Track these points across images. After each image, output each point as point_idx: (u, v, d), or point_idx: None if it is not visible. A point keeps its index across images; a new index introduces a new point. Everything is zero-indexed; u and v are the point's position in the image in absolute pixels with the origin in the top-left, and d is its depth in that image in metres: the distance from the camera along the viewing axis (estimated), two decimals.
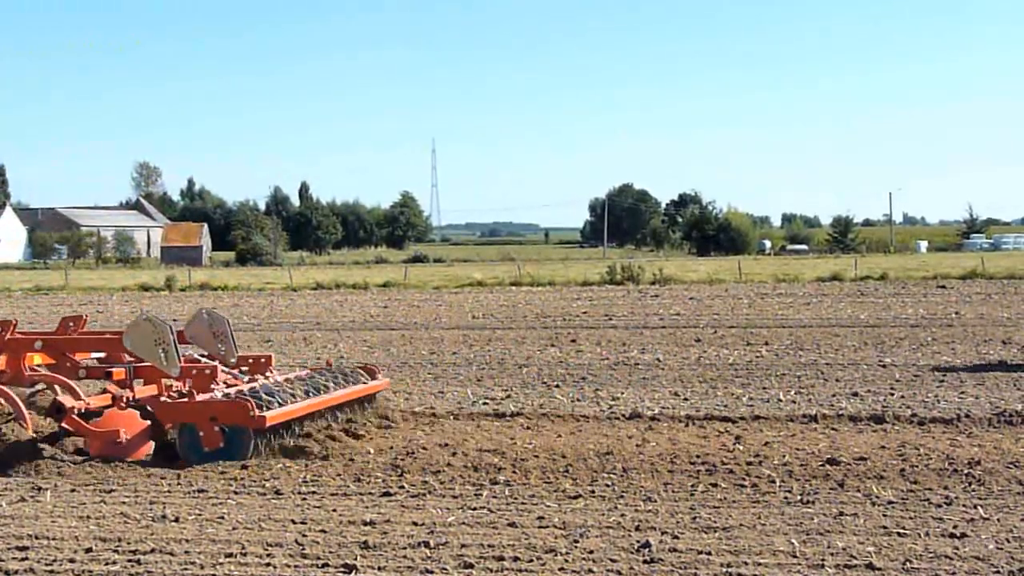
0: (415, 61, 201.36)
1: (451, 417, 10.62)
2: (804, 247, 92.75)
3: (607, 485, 7.79)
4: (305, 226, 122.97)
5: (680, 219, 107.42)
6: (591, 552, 6.08)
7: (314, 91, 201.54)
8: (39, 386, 10.19)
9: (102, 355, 10.06)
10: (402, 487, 7.83)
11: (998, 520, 6.70)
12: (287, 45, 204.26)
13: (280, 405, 8.92)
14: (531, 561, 5.94)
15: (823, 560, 5.86)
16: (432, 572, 5.81)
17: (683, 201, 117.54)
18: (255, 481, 8.10)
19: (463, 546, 6.24)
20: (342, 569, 5.87)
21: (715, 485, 7.71)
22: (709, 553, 6.02)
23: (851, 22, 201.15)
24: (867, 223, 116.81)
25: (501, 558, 5.99)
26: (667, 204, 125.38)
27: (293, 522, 6.96)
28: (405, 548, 6.21)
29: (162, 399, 9.22)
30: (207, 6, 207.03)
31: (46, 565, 6.08)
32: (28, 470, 8.56)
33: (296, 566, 5.96)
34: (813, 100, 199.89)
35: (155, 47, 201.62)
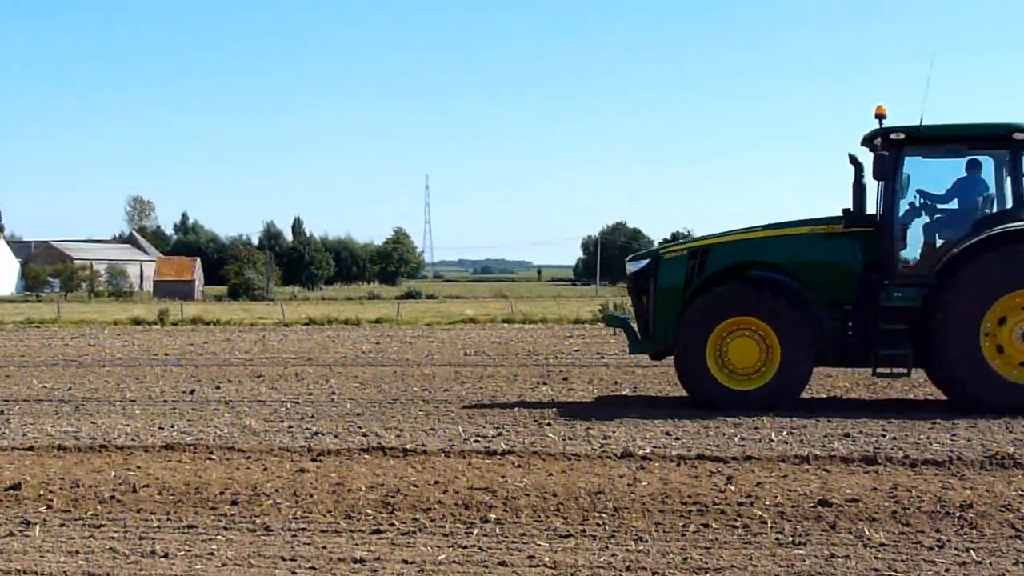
0: (409, 99, 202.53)
1: (442, 454, 10.59)
2: None
3: (598, 524, 7.76)
4: (298, 261, 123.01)
5: None
6: None
7: (308, 127, 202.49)
8: None
9: None
10: (392, 525, 7.80)
11: (990, 564, 6.69)
12: (282, 82, 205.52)
13: None
14: None
15: None
16: None
17: (676, 239, 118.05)
18: (245, 517, 8.07)
19: None
20: None
21: (706, 525, 7.69)
22: None
23: (871, 56, 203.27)
24: None
25: None
26: (660, 242, 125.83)
27: (283, 559, 6.93)
28: None
29: None
30: (203, 43, 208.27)
31: None
32: (16, 503, 8.53)
33: None
34: (804, 136, 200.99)
35: (151, 82, 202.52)
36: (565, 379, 17.68)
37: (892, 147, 13.68)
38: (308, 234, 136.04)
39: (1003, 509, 8.05)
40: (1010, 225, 13.38)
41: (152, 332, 35.31)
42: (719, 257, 14.28)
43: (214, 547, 7.22)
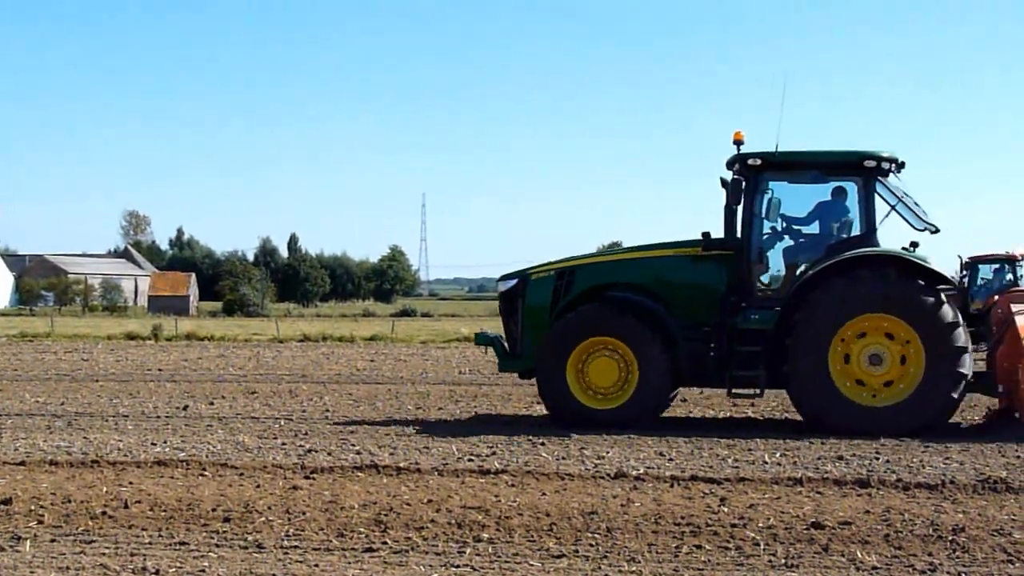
0: (407, 116, 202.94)
1: (436, 473, 10.58)
2: None
3: (591, 545, 7.76)
4: (293, 278, 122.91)
5: None
6: None
7: (305, 144, 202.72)
8: None
9: None
10: (385, 543, 7.79)
11: None
12: (279, 98, 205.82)
13: None
14: None
15: None
16: None
17: None
18: (237, 534, 8.05)
19: None
20: None
21: (699, 547, 7.69)
22: None
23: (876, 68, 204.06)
24: None
25: None
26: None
27: None
28: None
29: None
30: (200, 58, 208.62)
31: None
32: (7, 518, 8.51)
33: None
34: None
35: (147, 96, 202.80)
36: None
37: (750, 172, 14.08)
38: (303, 251, 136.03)
39: (995, 533, 8.06)
40: (857, 251, 13.74)
41: (146, 347, 35.26)
42: (584, 278, 14.66)
43: (206, 564, 7.21)
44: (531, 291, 14.81)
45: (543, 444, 12.46)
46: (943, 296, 13.44)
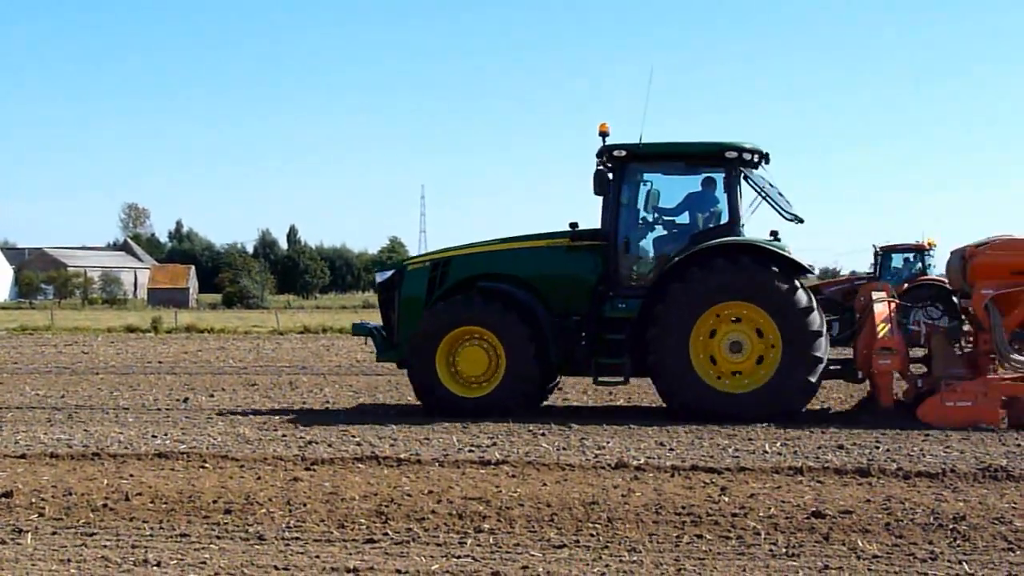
0: (405, 107, 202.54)
1: (436, 464, 10.59)
2: None
3: (592, 535, 7.76)
4: (293, 270, 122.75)
5: None
6: None
7: (304, 135, 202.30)
8: None
9: None
10: (386, 534, 7.80)
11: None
12: (277, 90, 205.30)
13: None
14: None
15: None
16: None
17: None
18: (238, 526, 8.06)
19: None
20: None
21: (700, 536, 7.69)
22: None
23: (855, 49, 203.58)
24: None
25: None
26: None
27: (276, 568, 6.92)
28: None
29: None
30: (198, 50, 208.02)
31: None
32: (7, 511, 8.51)
33: None
34: (810, 139, 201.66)
35: (146, 89, 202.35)
36: (560, 388, 17.68)
37: (616, 163, 14.36)
38: (303, 242, 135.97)
39: (996, 521, 8.06)
40: (713, 241, 14.00)
41: (146, 340, 35.27)
42: (458, 269, 14.89)
43: (207, 556, 7.22)
44: (407, 282, 15.07)
45: (543, 435, 12.47)
46: (797, 282, 13.76)
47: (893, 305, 14.21)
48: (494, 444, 11.83)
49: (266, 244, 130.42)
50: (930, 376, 13.97)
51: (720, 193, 14.46)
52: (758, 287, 13.66)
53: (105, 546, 7.52)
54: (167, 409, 15.38)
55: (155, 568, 6.93)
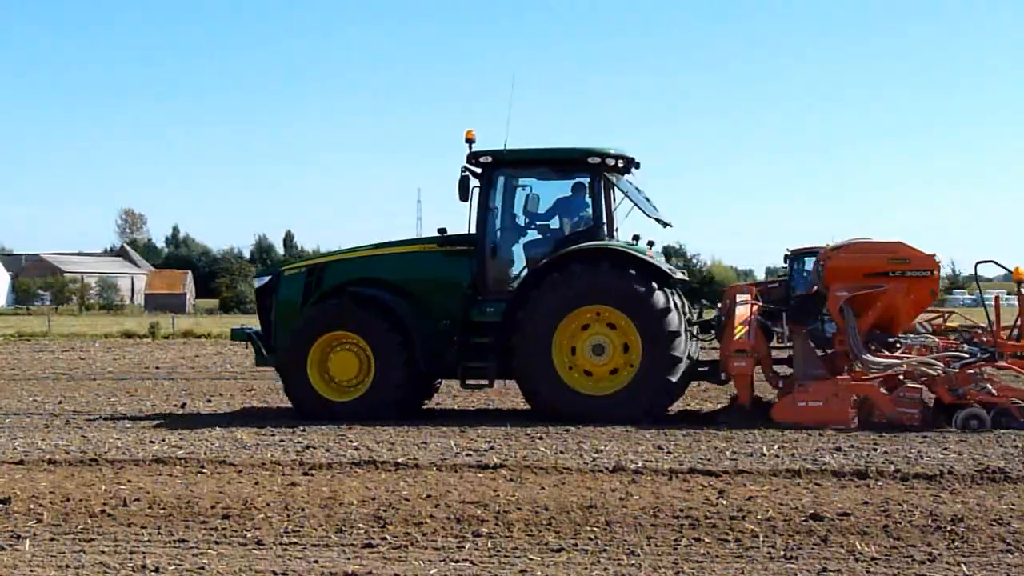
0: (401, 111, 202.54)
1: (434, 468, 10.58)
2: None
3: (590, 539, 7.76)
4: None
5: None
6: None
7: (300, 140, 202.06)
8: None
9: None
10: (384, 538, 7.79)
11: None
12: (274, 95, 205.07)
13: None
14: None
15: None
16: None
17: (666, 254, 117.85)
18: (236, 531, 8.05)
19: None
20: None
21: (698, 540, 7.69)
22: None
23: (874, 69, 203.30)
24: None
25: None
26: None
27: (274, 573, 6.92)
28: None
29: None
30: (195, 55, 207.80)
31: None
32: (6, 518, 8.50)
33: None
34: (806, 141, 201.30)
35: (142, 94, 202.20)
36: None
37: (483, 169, 14.65)
38: (300, 247, 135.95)
39: (994, 523, 8.07)
40: (575, 247, 14.25)
41: (143, 345, 35.25)
42: (333, 275, 15.10)
43: (205, 561, 7.21)
44: (283, 287, 15.24)
45: (541, 438, 12.47)
46: (654, 284, 13.93)
47: (755, 307, 14.40)
48: (491, 448, 11.82)
49: (263, 249, 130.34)
50: (791, 377, 14.20)
51: (589, 198, 14.72)
52: (616, 290, 13.91)
53: (103, 552, 7.51)
54: (165, 414, 15.37)
55: (153, 573, 6.92)
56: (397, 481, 9.90)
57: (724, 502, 8.85)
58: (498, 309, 14.36)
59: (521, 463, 10.75)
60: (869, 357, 13.55)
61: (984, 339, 14.25)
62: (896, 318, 14.04)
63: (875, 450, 11.43)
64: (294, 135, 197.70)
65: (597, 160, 14.46)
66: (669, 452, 11.46)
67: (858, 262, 13.86)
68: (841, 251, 14.10)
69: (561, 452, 11.52)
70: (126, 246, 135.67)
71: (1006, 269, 14.37)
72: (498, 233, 14.77)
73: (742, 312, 14.16)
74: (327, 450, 11.78)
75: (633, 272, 13.96)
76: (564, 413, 13.72)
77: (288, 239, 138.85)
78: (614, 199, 15.18)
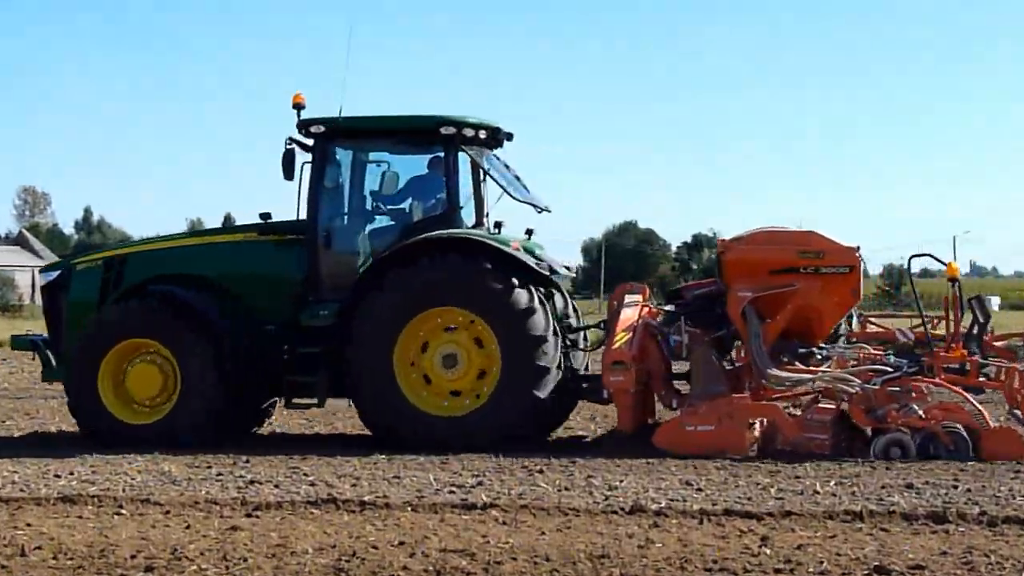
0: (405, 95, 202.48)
1: (408, 508, 10.62)
2: None
3: None
4: None
5: (694, 265, 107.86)
6: None
7: (241, 114, 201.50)
8: None
9: None
10: None
11: None
12: (209, 61, 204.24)
13: None
14: None
15: None
16: None
17: (697, 243, 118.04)
18: None
19: None
20: None
21: None
22: None
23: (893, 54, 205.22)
24: (925, 273, 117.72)
25: None
26: (678, 247, 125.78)
27: None
28: None
29: None
30: (114, 18, 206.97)
31: None
32: None
33: None
34: (849, 127, 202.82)
35: (49, 55, 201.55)
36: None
37: (316, 141, 14.63)
38: None
39: None
40: (420, 236, 14.16)
41: None
42: (135, 269, 15.10)
43: None
44: (75, 284, 15.25)
45: (541, 472, 12.49)
46: (514, 280, 13.91)
47: (645, 311, 14.48)
48: (480, 484, 11.85)
49: None
50: (687, 395, 14.23)
51: (444, 177, 14.72)
52: (469, 288, 13.97)
53: None
54: (74, 442, 15.35)
55: None
56: (363, 524, 9.92)
57: (768, 551, 8.88)
58: (332, 311, 14.34)
59: (516, 502, 10.77)
60: (775, 371, 13.57)
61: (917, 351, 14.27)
62: (813, 323, 14.01)
63: (955, 487, 11.46)
64: (233, 108, 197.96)
65: (452, 131, 14.43)
66: (699, 489, 11.49)
67: (762, 255, 13.87)
68: (742, 242, 14.06)
69: (566, 489, 11.55)
70: (25, 232, 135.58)
71: (941, 263, 14.43)
72: (335, 219, 14.78)
73: (627, 316, 14.15)
74: (276, 486, 11.80)
75: (489, 266, 13.97)
76: (409, 439, 13.77)
77: (227, 223, 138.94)
78: (483, 179, 15.19)
